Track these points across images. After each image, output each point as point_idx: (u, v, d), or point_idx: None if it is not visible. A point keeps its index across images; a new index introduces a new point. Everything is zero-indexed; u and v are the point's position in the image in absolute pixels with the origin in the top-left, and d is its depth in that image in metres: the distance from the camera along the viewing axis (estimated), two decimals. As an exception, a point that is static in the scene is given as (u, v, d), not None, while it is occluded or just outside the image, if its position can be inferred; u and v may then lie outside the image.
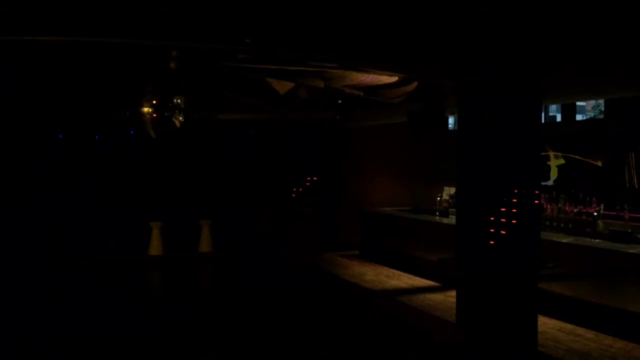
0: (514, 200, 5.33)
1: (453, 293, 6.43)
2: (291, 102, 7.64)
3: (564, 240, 6.96)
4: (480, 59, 5.13)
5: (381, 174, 12.29)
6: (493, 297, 5.44)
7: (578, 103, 18.15)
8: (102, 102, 9.08)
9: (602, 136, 8.09)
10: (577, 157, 8.28)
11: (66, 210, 11.22)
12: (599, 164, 7.98)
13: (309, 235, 11.32)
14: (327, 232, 12.14)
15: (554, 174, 8.61)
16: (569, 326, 6.59)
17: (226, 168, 12.99)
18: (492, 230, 5.35)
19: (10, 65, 6.37)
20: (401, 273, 9.85)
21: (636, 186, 7.49)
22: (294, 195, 11.52)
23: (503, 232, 5.31)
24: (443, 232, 8.83)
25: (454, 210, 8.96)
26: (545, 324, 6.55)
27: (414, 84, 6.77)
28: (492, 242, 5.36)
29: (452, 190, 9.85)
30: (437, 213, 10.00)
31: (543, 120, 12.23)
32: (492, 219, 5.36)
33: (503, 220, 5.32)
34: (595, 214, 7.38)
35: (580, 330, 6.44)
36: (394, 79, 6.55)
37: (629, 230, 6.89)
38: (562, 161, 8.51)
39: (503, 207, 5.33)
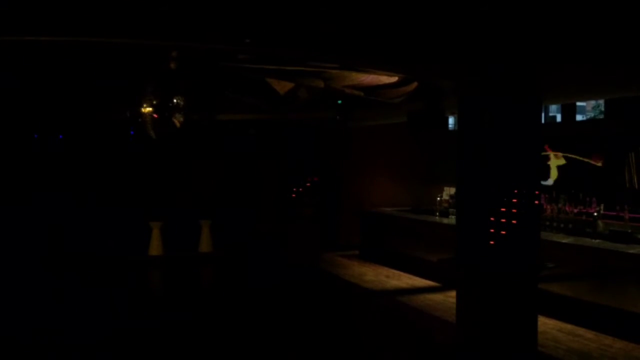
0: (514, 200, 5.33)
1: (453, 293, 6.43)
2: (291, 103, 7.65)
3: (564, 241, 6.96)
4: (480, 59, 5.13)
5: (381, 174, 12.30)
6: (493, 297, 5.44)
7: (578, 103, 18.14)
8: (102, 102, 9.08)
9: (602, 136, 8.08)
10: (577, 157, 8.28)
11: (66, 210, 11.22)
12: (599, 164, 7.98)
13: (309, 235, 11.31)
14: (327, 232, 12.14)
15: (554, 174, 8.61)
16: (569, 326, 6.59)
17: (226, 168, 13.00)
18: (492, 231, 5.35)
19: (10, 65, 6.37)
20: (401, 273, 9.85)
21: (636, 186, 7.49)
22: (294, 195, 11.51)
23: (503, 232, 5.31)
24: (443, 232, 8.83)
25: (454, 210, 8.96)
26: (545, 324, 6.55)
27: (414, 84, 6.77)
28: (492, 242, 5.36)
29: (452, 190, 9.85)
30: (437, 213, 10.00)
31: (543, 121, 12.25)
32: (492, 219, 5.36)
33: (503, 220, 5.32)
34: (595, 214, 7.38)
35: (580, 331, 6.44)
36: (394, 79, 6.55)
37: (629, 231, 6.89)
38: (563, 161, 8.50)
39: (503, 207, 5.33)
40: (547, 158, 8.62)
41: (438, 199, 10.30)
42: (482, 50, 4.82)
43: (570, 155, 8.41)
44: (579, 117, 20.05)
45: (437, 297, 8.17)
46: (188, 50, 5.81)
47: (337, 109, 9.07)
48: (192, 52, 6.02)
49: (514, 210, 5.31)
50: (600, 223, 7.27)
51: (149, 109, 6.54)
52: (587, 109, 25.31)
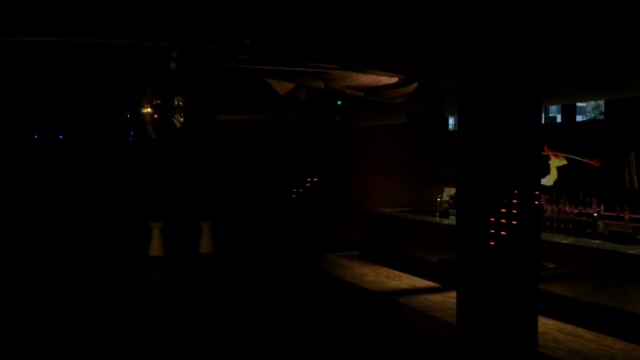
0: (514, 201, 5.32)
1: (453, 294, 6.43)
2: (291, 103, 7.64)
3: (564, 241, 6.95)
4: (480, 59, 5.13)
5: (381, 174, 12.30)
6: (493, 298, 5.43)
7: (578, 104, 18.14)
8: (102, 102, 9.07)
9: (602, 137, 8.08)
10: (577, 158, 8.28)
11: (66, 210, 11.22)
12: (599, 164, 7.98)
13: (309, 236, 11.31)
14: (327, 233, 12.14)
15: (553, 175, 8.60)
16: (569, 327, 6.59)
17: (226, 168, 12.99)
18: (492, 231, 5.35)
19: (10, 65, 6.37)
20: (401, 274, 9.85)
21: (636, 187, 7.48)
22: (294, 195, 11.51)
23: (503, 233, 5.31)
24: (443, 232, 8.83)
25: (454, 211, 8.95)
26: (546, 324, 6.55)
27: (414, 85, 6.77)
28: (492, 243, 5.35)
29: (453, 191, 9.85)
30: (437, 214, 10.00)
31: (543, 121, 12.23)
32: (492, 219, 5.36)
33: (503, 221, 5.32)
34: (595, 214, 7.38)
35: (581, 331, 6.43)
36: (394, 79, 6.54)
37: (629, 231, 6.89)
38: (564, 162, 8.49)
39: (503, 208, 5.33)
40: (548, 158, 8.61)
41: (438, 199, 10.30)
42: (482, 50, 4.82)
43: (569, 156, 8.40)
44: (579, 118, 20.05)
45: (437, 297, 8.16)
46: (188, 50, 5.81)
47: (337, 109, 9.07)
48: (192, 53, 6.01)
49: (514, 211, 5.31)
50: (600, 224, 7.27)
51: (149, 109, 6.53)
52: (587, 110, 25.31)
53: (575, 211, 7.73)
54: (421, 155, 11.85)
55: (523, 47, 4.67)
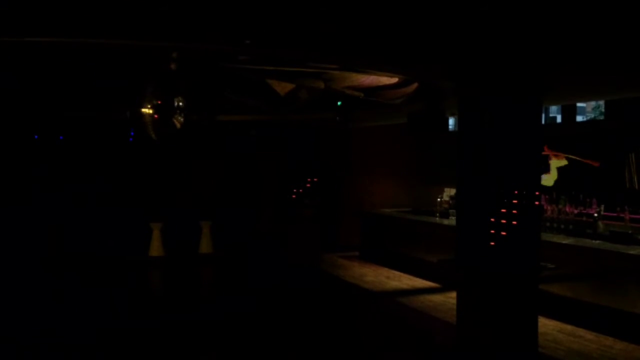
0: (515, 201, 5.32)
1: (453, 294, 6.42)
2: (291, 104, 7.64)
3: (564, 242, 6.95)
4: (480, 59, 5.12)
5: (381, 175, 12.29)
6: (493, 298, 5.43)
7: (578, 104, 18.14)
8: (102, 102, 9.07)
9: (602, 137, 8.08)
10: (577, 158, 8.28)
11: (66, 210, 11.22)
12: (599, 165, 7.98)
13: (309, 236, 11.31)
14: (327, 233, 12.14)
15: (553, 175, 8.60)
16: (569, 327, 6.59)
17: (227, 169, 13.00)
18: (492, 232, 5.35)
19: (10, 66, 6.37)
20: (401, 274, 9.85)
21: (636, 187, 7.48)
22: (294, 195, 11.52)
23: (503, 233, 5.30)
24: (443, 233, 8.83)
25: (454, 211, 8.94)
26: (546, 325, 6.55)
27: (414, 85, 6.77)
28: (492, 243, 5.35)
29: (453, 191, 9.84)
30: (438, 214, 9.99)
31: (543, 121, 12.23)
32: (492, 220, 5.36)
33: (503, 221, 5.31)
34: (595, 215, 7.37)
35: (581, 331, 6.43)
36: (394, 80, 6.54)
37: (630, 232, 6.88)
38: (564, 162, 8.49)
39: (503, 208, 5.32)
40: (548, 158, 8.61)
41: (438, 200, 10.29)
42: (483, 51, 4.82)
43: (569, 156, 8.40)
44: (579, 118, 20.06)
45: (438, 298, 8.16)
46: (188, 50, 5.80)
47: (338, 110, 9.07)
48: (192, 53, 6.01)
49: (514, 211, 5.31)
50: (600, 224, 7.27)
51: (149, 110, 6.53)
52: (587, 110, 25.32)
53: (576, 211, 7.72)
54: (421, 156, 11.84)
55: (523, 47, 4.66)
